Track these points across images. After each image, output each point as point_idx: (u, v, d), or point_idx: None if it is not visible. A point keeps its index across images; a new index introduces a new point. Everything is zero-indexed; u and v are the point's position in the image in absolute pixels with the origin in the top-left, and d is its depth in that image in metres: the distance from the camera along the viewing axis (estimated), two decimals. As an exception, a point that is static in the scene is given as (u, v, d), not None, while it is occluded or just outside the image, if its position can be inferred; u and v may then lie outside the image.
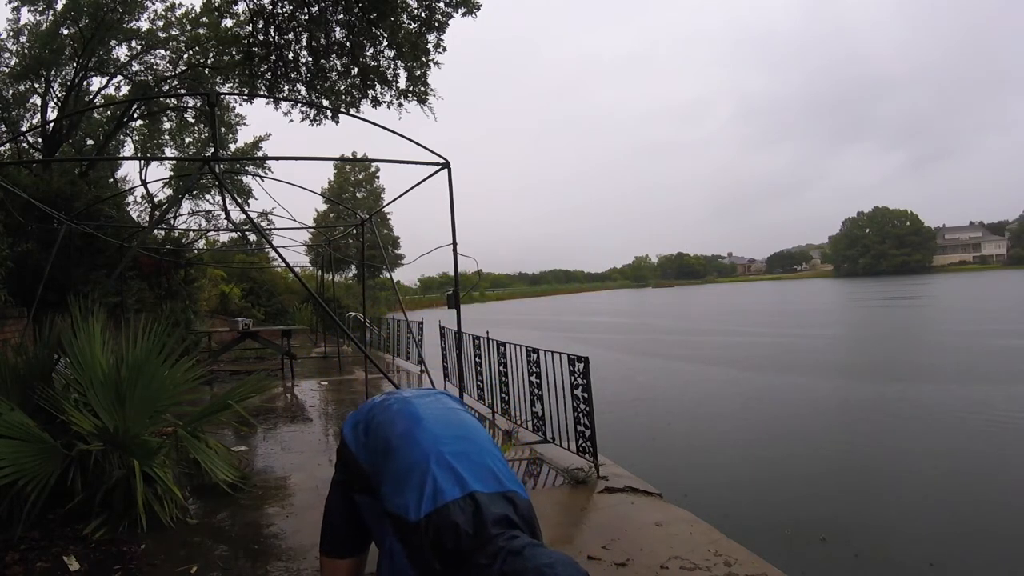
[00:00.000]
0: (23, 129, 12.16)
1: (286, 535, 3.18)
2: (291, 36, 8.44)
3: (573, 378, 4.21)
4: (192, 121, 14.10)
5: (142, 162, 14.46)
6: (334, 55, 8.61)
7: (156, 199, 14.93)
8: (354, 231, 14.35)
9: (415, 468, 1.23)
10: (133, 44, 12.16)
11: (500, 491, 1.20)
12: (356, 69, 8.69)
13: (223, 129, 13.61)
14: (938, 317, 23.42)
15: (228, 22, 10.36)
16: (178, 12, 12.02)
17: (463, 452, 1.26)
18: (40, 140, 12.08)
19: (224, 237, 18.87)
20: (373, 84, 8.88)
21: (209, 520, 3.41)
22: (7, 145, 11.40)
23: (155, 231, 10.64)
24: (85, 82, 12.36)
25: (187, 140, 14.64)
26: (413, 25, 8.51)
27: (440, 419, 1.38)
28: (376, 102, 9.01)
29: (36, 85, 12.14)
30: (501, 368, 5.54)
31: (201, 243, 15.57)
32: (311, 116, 9.15)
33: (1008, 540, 4.57)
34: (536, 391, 4.79)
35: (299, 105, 9.02)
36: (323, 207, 36.48)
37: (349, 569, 1.50)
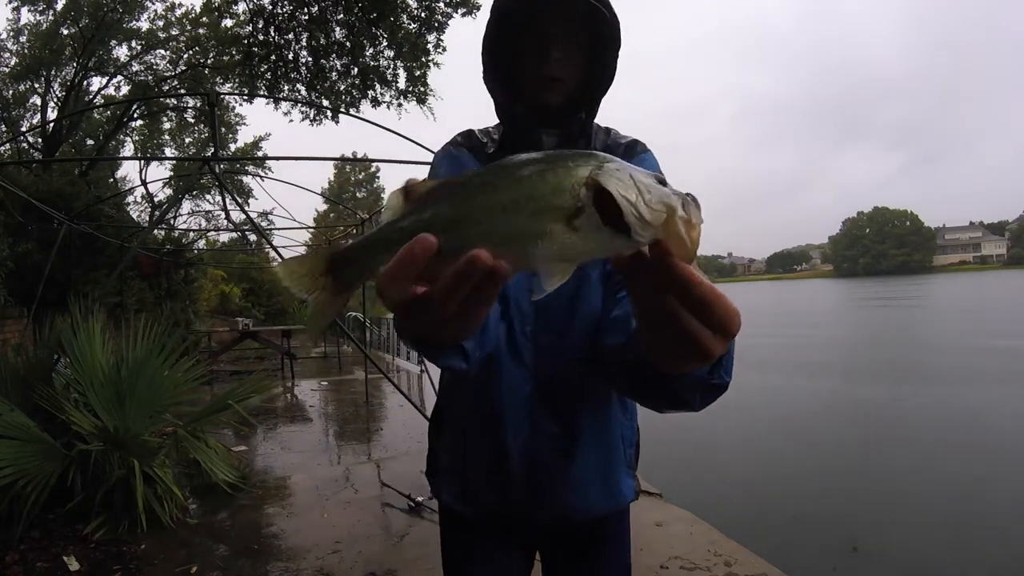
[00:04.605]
0: (23, 129, 12.19)
1: (286, 535, 3.18)
2: (291, 36, 8.46)
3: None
4: (192, 121, 14.13)
5: (142, 162, 14.50)
6: (334, 55, 8.62)
7: (156, 199, 14.96)
8: (354, 231, 14.36)
9: None
10: (133, 44, 12.20)
11: None
12: (356, 69, 8.70)
13: (223, 129, 13.62)
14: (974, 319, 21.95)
15: (228, 22, 10.39)
16: (178, 12, 12.08)
17: None
18: (40, 140, 12.09)
19: (224, 237, 18.92)
20: (373, 84, 8.90)
21: (209, 520, 3.41)
22: (7, 145, 11.41)
23: (155, 231, 10.64)
24: (85, 82, 12.39)
25: (187, 140, 14.68)
26: (413, 25, 8.53)
27: None
28: (376, 102, 9.03)
29: (36, 85, 12.17)
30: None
31: (201, 243, 15.60)
32: (311, 116, 9.16)
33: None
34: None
35: (299, 105, 9.03)
36: (323, 207, 36.39)
37: None
